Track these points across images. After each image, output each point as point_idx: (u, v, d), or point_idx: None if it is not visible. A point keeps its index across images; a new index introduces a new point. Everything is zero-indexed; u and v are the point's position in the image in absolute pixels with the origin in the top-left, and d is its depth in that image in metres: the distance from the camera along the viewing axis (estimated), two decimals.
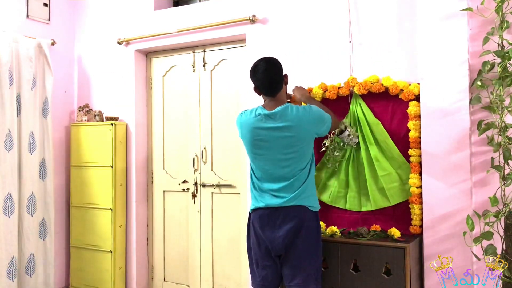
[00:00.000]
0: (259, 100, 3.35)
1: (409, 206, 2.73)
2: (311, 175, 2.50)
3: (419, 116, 2.65)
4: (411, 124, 2.69)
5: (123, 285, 3.95)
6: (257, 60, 2.53)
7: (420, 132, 2.64)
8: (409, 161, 2.73)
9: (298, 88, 2.94)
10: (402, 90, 2.73)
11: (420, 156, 2.65)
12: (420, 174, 2.65)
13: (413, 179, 2.67)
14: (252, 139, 2.48)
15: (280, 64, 2.52)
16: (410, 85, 2.71)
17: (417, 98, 2.68)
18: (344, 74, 2.97)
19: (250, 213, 2.57)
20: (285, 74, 2.54)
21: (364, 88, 2.82)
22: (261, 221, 2.46)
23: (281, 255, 2.44)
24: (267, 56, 2.59)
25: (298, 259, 2.39)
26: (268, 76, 2.45)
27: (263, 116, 2.45)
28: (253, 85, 2.54)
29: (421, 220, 2.65)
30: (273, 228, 2.42)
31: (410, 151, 2.69)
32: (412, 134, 2.68)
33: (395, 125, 2.80)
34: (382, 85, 2.79)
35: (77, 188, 4.08)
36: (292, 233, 2.38)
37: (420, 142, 2.64)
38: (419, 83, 2.66)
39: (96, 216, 3.95)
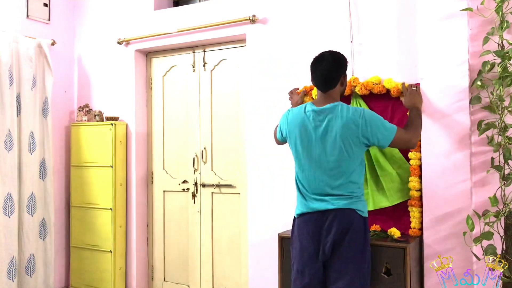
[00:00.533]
0: (259, 100, 3.37)
1: (409, 209, 2.73)
2: (360, 179, 2.36)
3: None
4: None
5: (123, 285, 3.95)
6: (323, 52, 2.40)
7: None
8: (409, 164, 2.73)
9: (412, 94, 2.59)
10: (402, 93, 2.73)
11: (420, 159, 2.65)
12: (420, 177, 2.65)
13: (413, 182, 2.67)
14: (299, 137, 2.36)
15: (342, 62, 2.37)
16: None
17: None
18: None
19: (294, 219, 2.46)
20: (344, 75, 2.39)
21: (366, 89, 2.82)
22: (306, 226, 2.35)
23: (327, 259, 2.33)
24: (334, 50, 2.42)
25: (342, 263, 2.27)
26: (322, 70, 2.32)
27: (311, 113, 2.34)
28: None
29: (421, 223, 2.65)
30: (320, 232, 2.30)
31: (410, 154, 2.69)
32: None
33: (397, 124, 2.79)
34: (384, 86, 2.78)
35: (77, 188, 4.08)
36: (338, 237, 2.26)
37: (420, 146, 2.64)
38: (419, 84, 2.67)
39: (96, 216, 3.95)
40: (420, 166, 2.65)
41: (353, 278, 2.26)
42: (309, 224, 2.34)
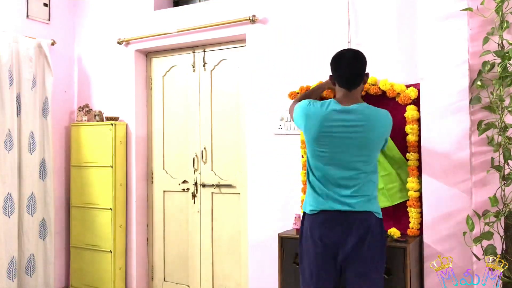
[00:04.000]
0: (259, 100, 3.36)
1: (407, 210, 2.73)
2: (377, 179, 2.35)
3: (417, 120, 2.66)
4: (408, 129, 2.68)
5: (123, 285, 3.95)
6: (344, 49, 2.37)
7: (417, 136, 2.65)
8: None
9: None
10: (399, 93, 2.73)
11: (418, 160, 2.66)
12: (418, 177, 2.65)
13: (411, 183, 2.67)
14: (319, 133, 2.25)
15: (365, 60, 2.33)
16: (407, 88, 2.71)
17: (414, 102, 2.69)
18: None
19: (304, 217, 2.35)
20: (367, 73, 2.35)
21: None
22: (323, 225, 2.25)
23: (344, 263, 2.25)
24: (353, 48, 2.41)
25: (364, 266, 2.21)
26: (353, 67, 2.28)
27: (335, 112, 2.24)
28: (330, 73, 2.35)
29: (420, 223, 2.66)
30: (338, 233, 2.22)
31: (408, 155, 2.69)
32: (409, 138, 2.68)
33: (395, 125, 2.77)
34: (379, 88, 2.79)
35: (77, 188, 4.08)
36: (358, 240, 2.20)
37: (418, 146, 2.65)
38: (416, 87, 2.67)
39: (96, 216, 3.95)
40: (418, 167, 2.66)
41: (376, 280, 2.24)
42: (326, 224, 2.25)
